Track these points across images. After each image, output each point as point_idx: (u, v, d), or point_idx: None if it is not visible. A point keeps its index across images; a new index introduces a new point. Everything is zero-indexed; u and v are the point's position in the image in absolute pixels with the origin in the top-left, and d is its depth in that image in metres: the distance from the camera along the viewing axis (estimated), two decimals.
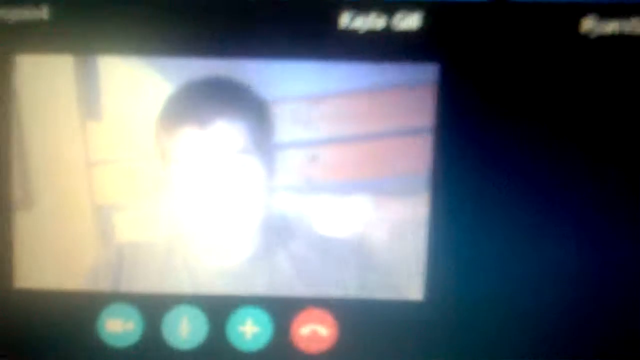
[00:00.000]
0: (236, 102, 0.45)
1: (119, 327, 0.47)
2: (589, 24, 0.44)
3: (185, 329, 0.47)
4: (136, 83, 0.45)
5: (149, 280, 0.47)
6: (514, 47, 0.44)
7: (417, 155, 0.45)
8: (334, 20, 0.44)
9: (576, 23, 0.44)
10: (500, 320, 0.46)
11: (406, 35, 0.44)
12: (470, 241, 0.45)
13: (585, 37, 0.44)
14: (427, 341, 0.46)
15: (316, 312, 0.47)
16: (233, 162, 0.46)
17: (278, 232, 0.47)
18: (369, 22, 0.44)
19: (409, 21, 0.44)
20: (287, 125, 0.46)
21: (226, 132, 0.45)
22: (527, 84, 0.44)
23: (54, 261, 0.47)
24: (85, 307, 0.47)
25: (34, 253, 0.47)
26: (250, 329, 0.47)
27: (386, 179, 0.46)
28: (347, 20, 0.44)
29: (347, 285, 0.47)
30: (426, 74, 0.44)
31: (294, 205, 0.46)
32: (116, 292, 0.47)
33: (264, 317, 0.47)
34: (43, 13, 0.45)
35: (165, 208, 0.47)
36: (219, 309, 0.47)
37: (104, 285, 0.47)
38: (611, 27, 0.44)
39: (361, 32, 0.44)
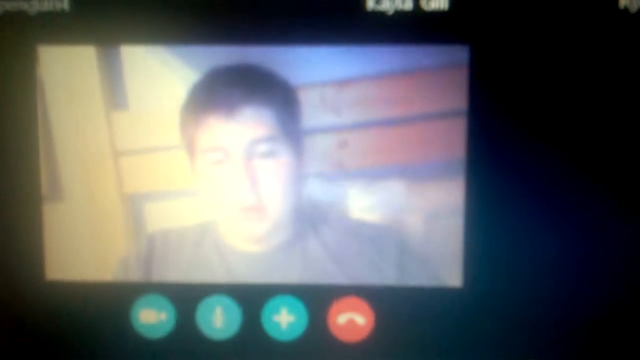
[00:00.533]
0: (263, 89, 0.46)
1: (152, 317, 0.49)
2: None
3: (219, 318, 0.48)
4: (160, 72, 0.46)
5: (181, 270, 0.48)
6: (547, 25, 0.44)
7: (451, 138, 0.45)
8: (360, 2, 0.44)
9: None
10: (538, 306, 0.46)
11: (435, 15, 0.44)
12: (507, 225, 0.46)
13: (625, 12, 0.43)
14: (466, 328, 0.47)
15: (352, 301, 0.48)
16: (262, 150, 0.46)
17: (310, 219, 0.48)
18: (397, 3, 0.44)
19: (438, 1, 0.44)
20: (315, 110, 0.46)
21: (254, 119, 0.46)
22: (563, 62, 0.44)
23: (85, 252, 0.48)
24: (118, 298, 0.48)
25: (65, 245, 0.48)
26: (285, 318, 0.48)
27: (419, 164, 0.46)
28: (374, 2, 0.44)
29: (383, 273, 0.47)
30: (456, 55, 0.44)
31: (326, 192, 0.47)
32: (148, 283, 0.48)
33: (299, 306, 0.48)
34: (64, 3, 0.45)
35: (195, 196, 0.48)
36: (253, 299, 0.48)
37: (135, 275, 0.48)
38: None
39: (389, 13, 0.44)
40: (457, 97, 0.45)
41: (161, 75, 0.46)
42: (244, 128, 0.46)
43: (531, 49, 0.44)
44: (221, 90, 0.46)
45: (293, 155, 0.47)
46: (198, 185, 0.47)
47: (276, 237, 0.48)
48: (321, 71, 0.45)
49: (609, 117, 0.44)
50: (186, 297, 0.48)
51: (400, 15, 0.44)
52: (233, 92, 0.46)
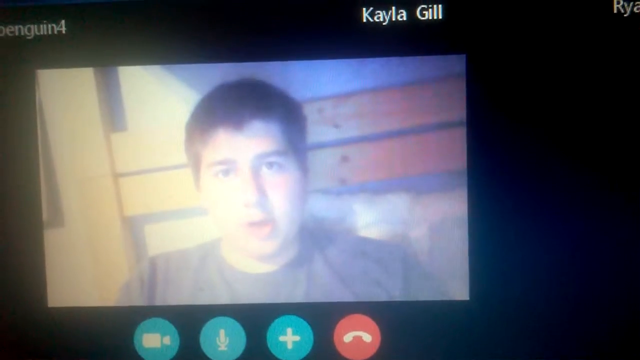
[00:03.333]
0: (271, 104, 0.47)
1: (156, 342, 0.49)
2: (621, 4, 0.44)
3: (223, 341, 0.49)
4: (158, 91, 0.47)
5: (184, 292, 0.49)
6: (542, 30, 0.45)
7: (451, 150, 0.46)
8: (356, 16, 0.45)
9: (609, 3, 0.44)
10: (546, 317, 0.47)
11: (430, 26, 0.45)
12: (512, 235, 0.46)
13: (619, 16, 0.44)
14: (474, 341, 0.47)
15: (358, 318, 0.48)
16: (269, 164, 0.47)
17: (314, 237, 0.48)
18: (392, 14, 0.45)
19: (431, 12, 0.45)
20: (314, 125, 0.47)
21: (262, 133, 0.47)
22: (559, 69, 0.45)
23: (87, 278, 0.49)
24: (121, 323, 0.49)
25: (67, 271, 0.49)
26: (291, 338, 0.48)
27: (421, 176, 0.46)
28: (369, 14, 0.45)
29: (389, 289, 0.48)
30: (453, 65, 0.45)
31: (329, 209, 0.48)
32: (151, 307, 0.49)
33: (304, 325, 0.48)
34: (61, 27, 0.47)
35: (196, 216, 0.48)
36: (257, 320, 0.48)
37: (138, 300, 0.49)
38: None
39: (384, 25, 0.45)
40: (456, 107, 0.46)
41: (159, 94, 0.47)
42: (252, 141, 0.47)
43: (527, 55, 0.45)
44: (230, 105, 0.47)
45: (299, 170, 0.47)
46: (203, 201, 0.48)
47: (283, 256, 0.49)
48: (319, 86, 0.47)
49: (607, 120, 0.45)
50: (189, 320, 0.49)
51: (395, 26, 0.45)
52: (242, 106, 0.47)
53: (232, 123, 0.47)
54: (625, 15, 0.44)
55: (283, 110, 0.47)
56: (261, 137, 0.47)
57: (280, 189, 0.47)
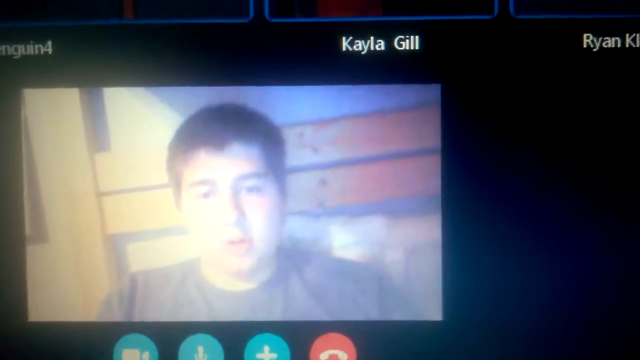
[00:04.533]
0: (252, 126, 0.48)
1: (135, 357, 0.49)
2: (590, 39, 0.46)
3: (201, 357, 0.49)
4: (142, 113, 0.48)
5: (163, 309, 0.49)
6: (515, 63, 0.46)
7: (427, 175, 0.47)
8: (335, 44, 0.47)
9: (579, 38, 0.46)
10: (521, 337, 0.48)
11: (407, 56, 0.46)
12: (486, 258, 0.47)
13: (588, 51, 0.46)
14: None
15: (334, 337, 0.49)
16: (248, 186, 0.48)
17: (292, 257, 0.49)
18: (370, 44, 0.46)
19: (408, 42, 0.46)
20: (294, 150, 0.48)
21: (242, 155, 0.48)
22: (531, 99, 0.46)
23: (68, 294, 0.49)
24: (101, 338, 0.49)
25: (48, 286, 0.49)
26: (268, 356, 0.49)
27: (398, 200, 0.47)
28: (348, 43, 0.46)
29: (365, 309, 0.48)
30: (429, 94, 0.47)
31: (307, 231, 0.48)
32: (131, 323, 0.49)
33: (281, 343, 0.49)
34: (48, 47, 0.48)
35: (177, 235, 0.49)
36: (235, 337, 0.49)
37: (118, 316, 0.49)
38: (613, 41, 0.45)
39: (363, 54, 0.46)
40: (431, 134, 0.47)
41: (143, 116, 0.48)
42: (233, 163, 0.48)
43: (500, 86, 0.46)
44: (212, 126, 0.47)
45: (277, 193, 0.48)
46: (183, 221, 0.49)
47: (260, 275, 0.49)
48: (299, 111, 0.47)
49: (581, 151, 0.47)
50: (168, 337, 0.49)
51: (373, 55, 0.46)
52: (224, 128, 0.47)
53: (213, 144, 0.48)
54: (594, 50, 0.46)
55: (263, 134, 0.48)
56: (241, 159, 0.48)
57: (258, 209, 0.48)
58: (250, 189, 0.48)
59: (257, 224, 0.48)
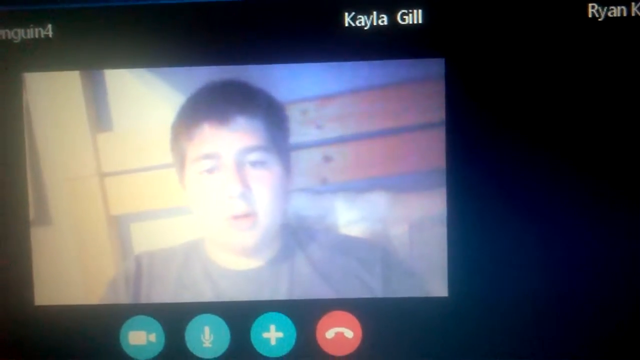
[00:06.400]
0: (253, 101, 0.47)
1: (141, 339, 0.49)
2: (595, 8, 0.45)
3: (208, 338, 0.49)
4: (143, 93, 0.47)
5: (169, 290, 0.49)
6: (518, 35, 0.46)
7: (431, 150, 0.47)
8: (337, 20, 0.46)
9: (584, 7, 0.45)
10: (525, 313, 0.47)
11: (410, 30, 0.46)
12: (490, 232, 0.47)
13: (593, 21, 0.45)
14: (453, 337, 0.48)
15: (340, 315, 0.48)
16: (253, 159, 0.48)
17: (296, 235, 0.49)
18: (373, 19, 0.46)
19: (412, 17, 0.46)
20: (297, 126, 0.47)
21: (246, 129, 0.47)
22: (536, 71, 0.46)
23: (73, 276, 0.49)
24: (107, 321, 0.49)
25: (53, 269, 0.49)
26: (274, 335, 0.49)
27: (401, 176, 0.47)
28: (351, 19, 0.46)
29: (370, 286, 0.48)
30: (432, 68, 0.46)
31: (311, 207, 0.48)
32: (137, 304, 0.49)
33: (287, 322, 0.49)
34: (48, 31, 0.47)
35: (181, 215, 0.49)
36: (241, 317, 0.49)
37: (124, 297, 0.49)
38: (618, 10, 0.45)
39: (365, 29, 0.46)
40: (435, 108, 0.46)
41: (144, 96, 0.48)
42: (237, 136, 0.47)
43: (505, 58, 0.46)
44: (215, 101, 0.47)
45: (281, 169, 0.48)
46: (187, 199, 0.48)
47: (265, 252, 0.49)
48: (302, 88, 0.47)
49: (584, 122, 0.46)
50: (174, 318, 0.49)
51: (376, 30, 0.46)
52: (228, 103, 0.47)
53: (217, 119, 0.47)
54: (599, 20, 0.46)
55: (267, 110, 0.47)
56: (245, 133, 0.47)
57: (262, 183, 0.48)
58: (254, 163, 0.48)
59: (262, 198, 0.48)
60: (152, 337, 0.49)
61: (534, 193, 0.47)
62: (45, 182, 0.49)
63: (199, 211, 0.49)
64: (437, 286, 0.48)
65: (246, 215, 0.48)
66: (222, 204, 0.48)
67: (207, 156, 0.47)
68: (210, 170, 0.48)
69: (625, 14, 0.45)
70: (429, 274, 0.48)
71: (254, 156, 0.48)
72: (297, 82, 0.47)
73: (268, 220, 0.48)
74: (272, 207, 0.48)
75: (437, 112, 0.46)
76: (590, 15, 0.45)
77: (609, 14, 0.45)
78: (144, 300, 0.49)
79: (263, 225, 0.48)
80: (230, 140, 0.47)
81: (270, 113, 0.47)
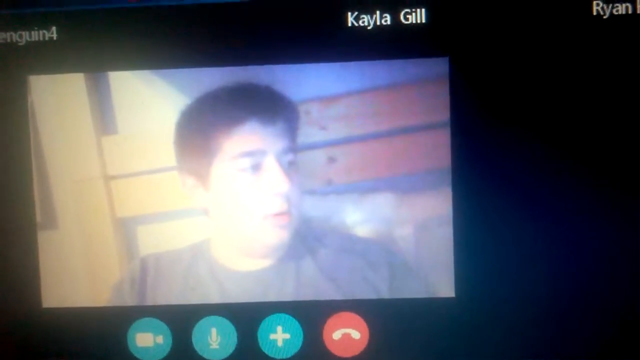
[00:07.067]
0: (289, 104, 0.48)
1: (149, 341, 0.49)
2: (600, 6, 0.45)
3: (215, 339, 0.49)
4: (148, 95, 0.48)
5: (175, 292, 0.49)
6: (523, 33, 0.45)
7: (436, 149, 0.46)
8: (341, 20, 0.46)
9: (588, 5, 0.45)
10: (531, 313, 0.47)
11: (413, 29, 0.46)
12: (496, 232, 0.47)
13: (599, 18, 0.45)
14: (461, 338, 0.48)
15: (347, 316, 0.48)
16: (289, 160, 0.48)
17: (303, 236, 0.48)
18: (376, 18, 0.46)
19: (414, 17, 0.46)
20: (302, 127, 0.47)
21: (285, 130, 0.48)
22: (540, 70, 0.46)
23: (80, 279, 0.49)
24: (114, 323, 0.49)
25: (60, 272, 0.49)
26: (281, 336, 0.49)
27: (407, 176, 0.47)
28: (354, 19, 0.46)
29: (377, 287, 0.48)
30: (437, 67, 0.46)
31: (317, 209, 0.48)
32: (143, 306, 0.49)
33: (294, 323, 0.49)
34: (52, 34, 0.47)
35: (187, 217, 0.49)
36: (248, 318, 0.49)
37: (130, 300, 0.49)
38: (623, 7, 0.45)
39: (369, 29, 0.46)
40: (439, 108, 0.46)
41: (149, 98, 0.48)
42: (278, 136, 0.48)
43: (509, 57, 0.46)
44: (254, 100, 0.48)
45: (296, 170, 0.48)
46: (209, 198, 0.49)
47: (280, 252, 0.49)
48: (306, 88, 0.47)
49: (589, 119, 0.46)
50: (181, 320, 0.49)
51: (380, 30, 0.46)
52: (267, 102, 0.47)
53: (266, 115, 0.47)
54: (604, 17, 0.45)
55: (291, 111, 0.48)
56: (284, 133, 0.48)
57: (295, 183, 0.48)
58: (290, 163, 0.48)
59: (296, 197, 0.48)
60: (160, 339, 0.49)
61: (539, 192, 0.46)
62: (51, 185, 0.49)
63: (224, 210, 0.49)
64: (444, 287, 0.47)
65: (285, 213, 0.48)
66: (264, 201, 0.48)
67: (249, 154, 0.47)
68: (252, 168, 0.48)
69: (630, 11, 0.45)
70: (435, 275, 0.47)
71: (290, 157, 0.48)
72: (302, 83, 0.47)
73: (297, 220, 0.48)
74: (299, 207, 0.48)
75: (441, 111, 0.46)
76: (595, 13, 0.45)
77: (614, 12, 0.45)
78: (150, 302, 0.49)
79: (294, 224, 0.48)
80: (274, 139, 0.47)
81: (294, 115, 0.48)
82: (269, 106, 0.47)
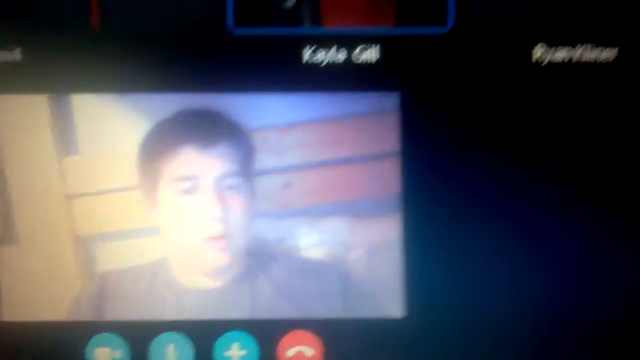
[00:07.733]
0: (232, 129, 0.49)
1: (106, 356, 0.50)
2: (540, 52, 0.47)
3: (172, 355, 0.50)
4: (109, 118, 0.48)
5: (134, 308, 0.50)
6: (469, 75, 0.47)
7: (386, 177, 0.48)
8: (297, 55, 0.47)
9: (528, 51, 0.47)
10: (481, 331, 0.49)
11: (366, 66, 0.47)
12: (445, 257, 0.48)
13: (537, 65, 0.47)
14: (410, 357, 0.49)
15: (301, 334, 0.49)
16: (229, 184, 0.49)
17: (258, 257, 0.50)
18: (330, 55, 0.47)
19: (368, 54, 0.47)
20: (259, 153, 0.49)
21: (225, 155, 0.49)
22: (483, 109, 0.48)
23: (40, 294, 0.50)
24: (72, 338, 0.50)
25: (20, 286, 0.49)
26: (237, 353, 0.50)
27: (359, 201, 0.49)
28: (310, 54, 0.47)
29: (330, 306, 0.49)
30: (388, 102, 0.48)
31: (273, 231, 0.49)
32: (102, 322, 0.50)
33: (250, 340, 0.49)
34: (16, 55, 0.48)
35: (146, 236, 0.50)
36: (205, 335, 0.49)
37: (89, 315, 0.50)
38: (561, 54, 0.47)
39: (323, 65, 0.47)
40: (390, 139, 0.48)
41: (110, 121, 0.48)
42: (217, 161, 0.49)
43: (456, 95, 0.47)
44: (196, 125, 0.48)
45: (249, 194, 0.49)
46: (158, 218, 0.50)
47: (229, 272, 0.50)
48: (264, 117, 0.48)
49: (533, 152, 0.48)
50: (139, 335, 0.49)
51: (335, 65, 0.47)
52: (209, 127, 0.48)
53: (200, 141, 0.49)
54: (542, 65, 0.47)
55: (243, 138, 0.49)
56: (224, 158, 0.49)
57: (236, 207, 0.49)
58: (230, 187, 0.49)
59: (236, 221, 0.49)
60: (117, 354, 0.50)
61: (488, 218, 0.48)
62: (12, 201, 0.49)
63: (171, 231, 0.50)
64: (393, 307, 0.49)
65: (221, 237, 0.49)
66: (199, 224, 0.49)
67: (185, 177, 0.49)
68: (187, 192, 0.49)
69: (567, 59, 0.47)
70: (385, 295, 0.49)
71: (230, 181, 0.49)
72: (258, 112, 0.48)
73: (238, 243, 0.50)
74: (242, 231, 0.49)
75: (392, 142, 0.48)
76: (534, 60, 0.47)
77: (552, 59, 0.47)
78: (109, 317, 0.50)
79: (234, 247, 0.49)
80: (210, 164, 0.49)
81: (244, 141, 0.49)
82: (211, 131, 0.49)
